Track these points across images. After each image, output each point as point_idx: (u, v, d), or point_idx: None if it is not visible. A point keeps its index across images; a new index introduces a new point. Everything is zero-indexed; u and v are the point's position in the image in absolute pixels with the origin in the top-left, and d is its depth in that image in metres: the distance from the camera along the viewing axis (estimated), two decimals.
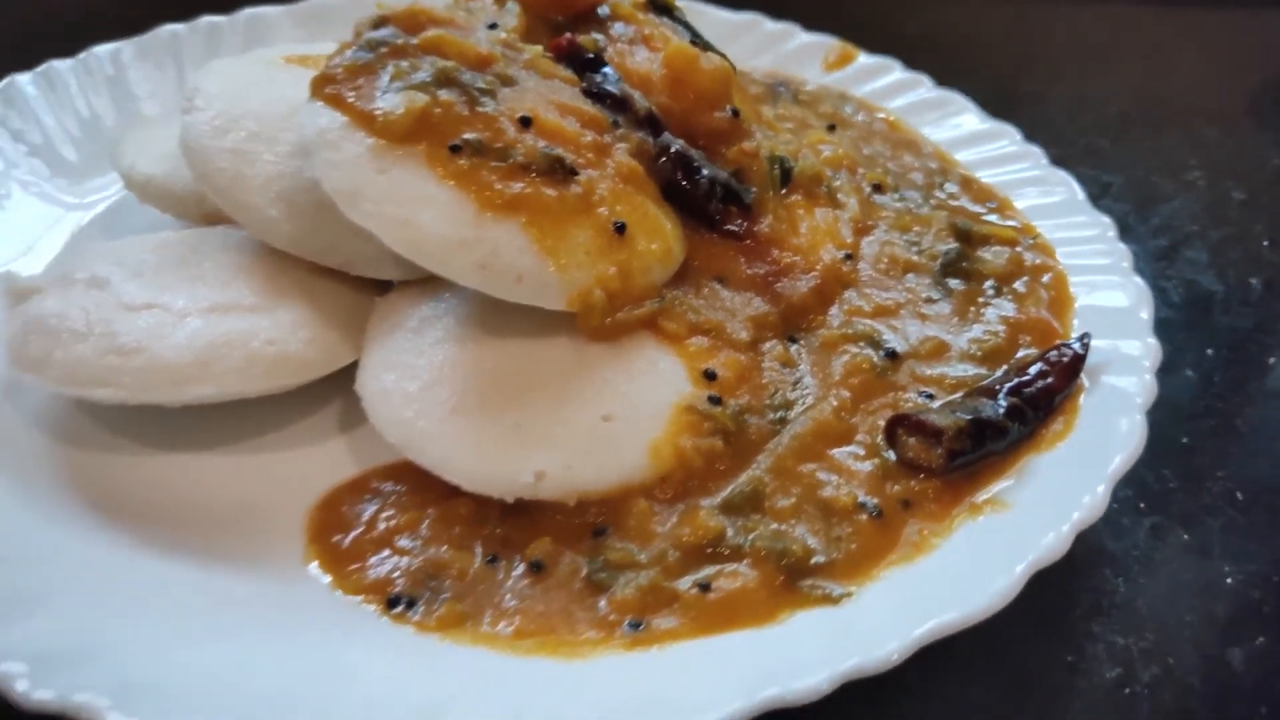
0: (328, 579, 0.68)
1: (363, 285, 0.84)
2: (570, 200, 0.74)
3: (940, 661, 0.63)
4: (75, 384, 0.72)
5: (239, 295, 0.78)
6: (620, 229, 0.75)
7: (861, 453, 0.74)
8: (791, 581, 0.65)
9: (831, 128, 1.09)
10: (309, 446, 0.79)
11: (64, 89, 1.09)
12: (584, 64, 0.85)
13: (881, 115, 1.16)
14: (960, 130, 1.13)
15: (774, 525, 0.68)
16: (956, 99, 1.17)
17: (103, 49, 1.14)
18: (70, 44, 1.13)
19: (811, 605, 0.64)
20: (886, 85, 1.20)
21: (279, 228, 0.80)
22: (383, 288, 0.85)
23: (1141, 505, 0.80)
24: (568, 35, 0.86)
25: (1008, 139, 1.10)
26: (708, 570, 0.66)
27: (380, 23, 0.79)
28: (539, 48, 0.83)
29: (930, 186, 1.03)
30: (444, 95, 0.74)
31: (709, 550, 0.67)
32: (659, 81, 0.88)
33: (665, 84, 0.88)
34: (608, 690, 0.58)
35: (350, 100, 0.74)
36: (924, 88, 1.19)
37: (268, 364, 0.75)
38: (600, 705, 0.57)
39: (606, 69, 0.85)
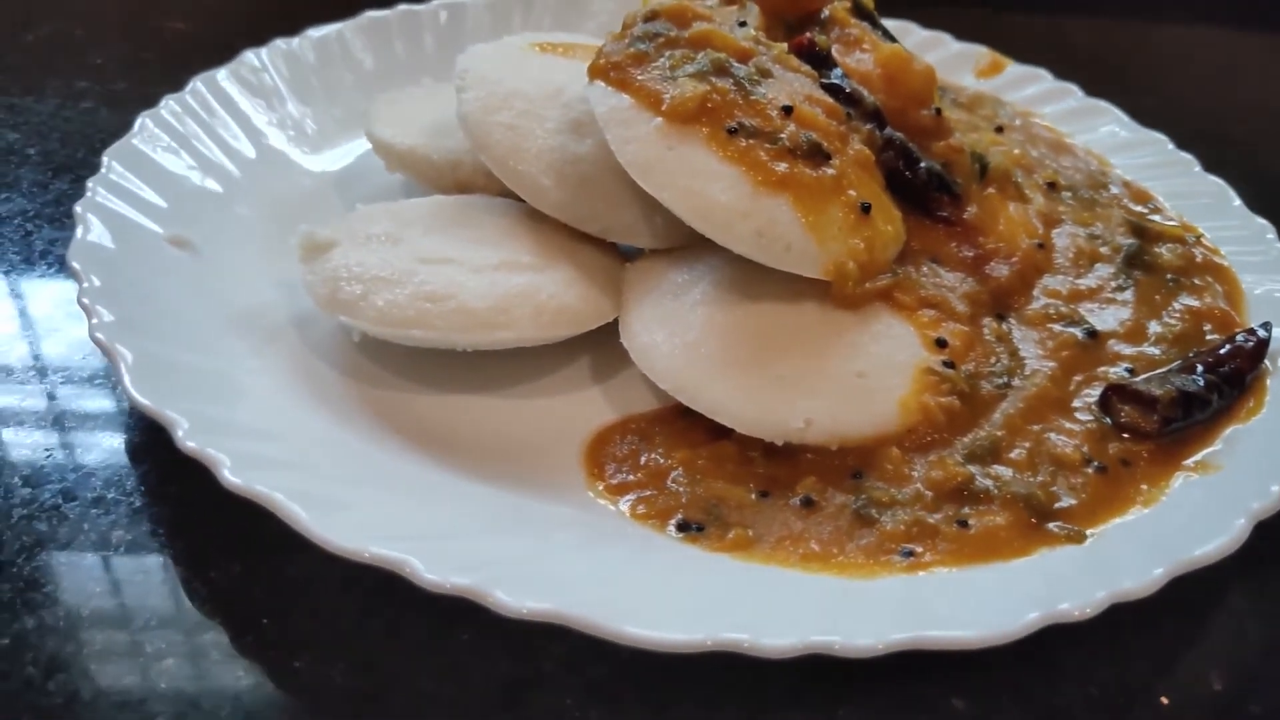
0: (616, 505, 0.77)
1: (612, 250, 0.93)
2: (827, 181, 0.83)
3: (1157, 602, 0.71)
4: (392, 325, 0.81)
5: (517, 254, 0.87)
6: (866, 209, 0.85)
7: (1081, 417, 0.83)
8: (1039, 522, 0.74)
9: (999, 129, 1.18)
10: (566, 394, 0.88)
11: (289, 63, 1.18)
12: (819, 61, 0.94)
13: (1038, 120, 1.25)
14: (1114, 137, 1.21)
15: (1014, 474, 0.77)
16: (1107, 108, 1.25)
17: (316, 31, 1.23)
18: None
19: (1060, 543, 0.73)
20: (1037, 93, 1.29)
21: (550, 195, 0.89)
22: (627, 254, 0.94)
23: None
24: (808, 34, 0.95)
25: (1159, 147, 1.19)
26: (964, 510, 0.75)
27: (651, 16, 0.89)
28: (784, 45, 0.92)
29: (1096, 187, 1.12)
30: (718, 83, 0.83)
31: (959, 493, 0.76)
32: (876, 80, 0.97)
33: (881, 82, 0.97)
34: (901, 605, 0.67)
35: (637, 84, 0.84)
36: (1074, 97, 1.28)
37: (552, 315, 0.84)
38: (902, 617, 0.65)
39: (837, 67, 0.94)
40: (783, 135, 0.83)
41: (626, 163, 0.82)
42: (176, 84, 1.10)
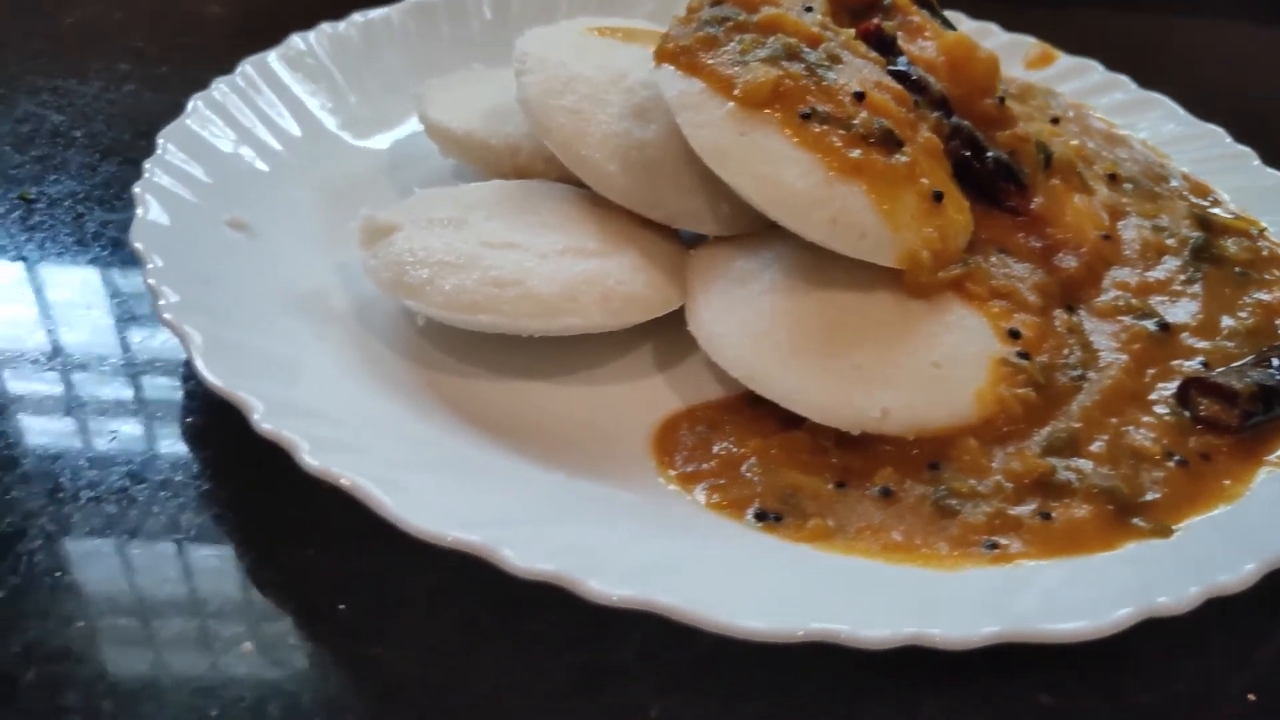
0: (691, 494, 0.76)
1: (674, 236, 0.92)
2: (900, 169, 0.82)
3: (1242, 601, 0.70)
4: (459, 309, 0.80)
5: (582, 240, 0.86)
6: (939, 197, 0.83)
7: (1158, 410, 0.82)
8: (1123, 516, 0.73)
9: (1055, 120, 1.17)
10: (628, 381, 0.87)
11: (337, 46, 1.16)
12: (886, 47, 0.92)
13: (1090, 111, 1.24)
14: (1170, 130, 1.20)
15: (1094, 467, 0.76)
16: (1161, 100, 1.24)
17: (363, 15, 1.22)
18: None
19: (1145, 537, 0.72)
20: (1089, 85, 1.28)
21: (615, 181, 0.88)
22: (688, 240, 0.93)
23: None
24: (875, 20, 0.93)
25: (1216, 139, 1.17)
26: (1046, 502, 0.74)
27: (719, 0, 0.87)
28: (850, 31, 0.91)
29: (1155, 179, 1.10)
30: (790, 68, 0.82)
31: (1040, 485, 0.75)
32: (940, 67, 0.96)
33: (945, 70, 0.96)
34: (992, 598, 0.66)
35: (707, 69, 0.82)
36: (1126, 89, 1.27)
37: (620, 302, 0.83)
38: (994, 610, 0.64)
39: (902, 54, 0.93)
40: (855, 121, 0.81)
41: (699, 148, 0.81)
42: (218, 67, 1.08)
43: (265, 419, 0.69)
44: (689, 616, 0.61)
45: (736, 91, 0.81)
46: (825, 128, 0.81)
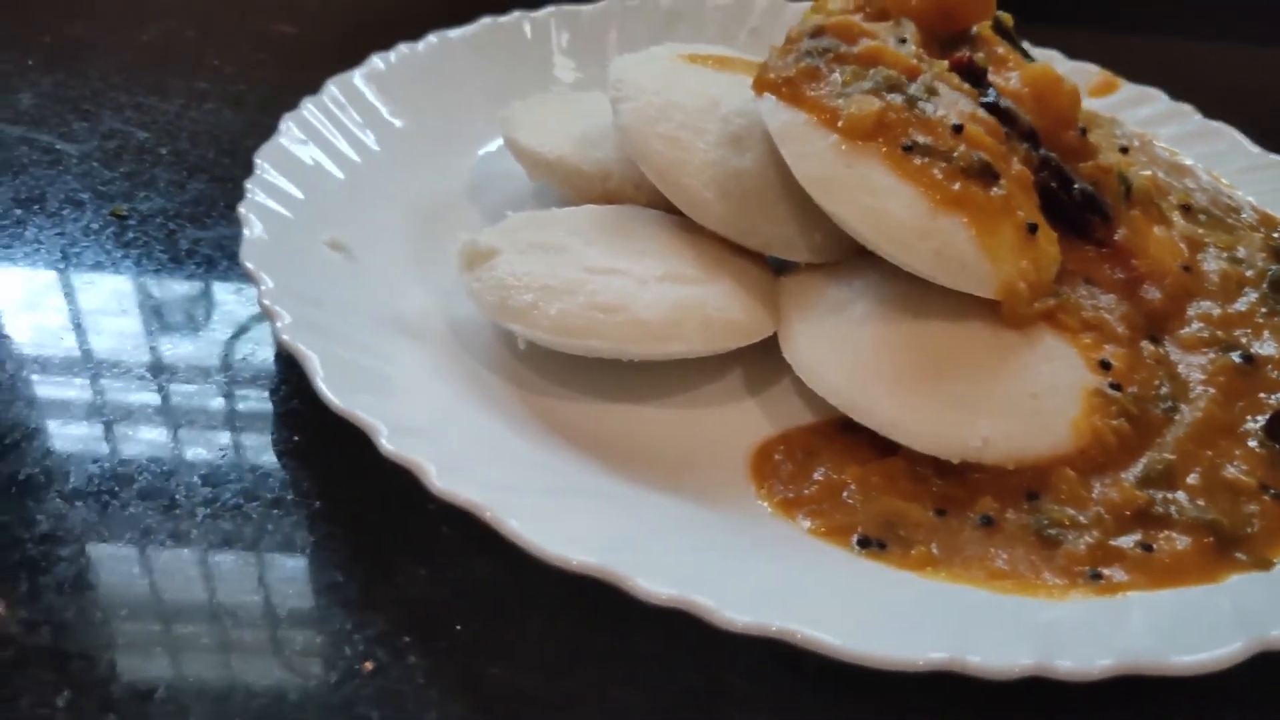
0: (795, 521, 0.77)
1: (764, 263, 0.93)
2: (998, 201, 0.83)
3: None
4: (566, 334, 0.81)
5: (680, 267, 0.87)
6: (1033, 229, 0.85)
7: (1248, 443, 0.83)
8: (1224, 549, 0.74)
9: (1124, 150, 1.18)
10: (720, 406, 0.88)
11: (416, 67, 1.18)
12: (977, 79, 0.94)
13: (1156, 141, 1.25)
14: (1234, 161, 1.21)
15: (1190, 499, 0.77)
16: (1227, 130, 1.25)
17: (435, 38, 1.23)
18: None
19: (1246, 570, 0.73)
20: (1153, 114, 1.29)
21: (712, 209, 0.89)
22: (778, 269, 0.94)
23: None
24: (966, 52, 0.95)
25: None
26: (1146, 533, 0.75)
27: (817, 32, 0.89)
28: (944, 63, 0.93)
29: (1225, 210, 1.12)
30: (891, 100, 0.84)
31: (1139, 517, 0.76)
32: (1025, 99, 0.97)
33: (1030, 101, 0.97)
34: (1105, 629, 0.67)
35: (810, 100, 0.84)
36: (1191, 119, 1.28)
37: (719, 328, 0.84)
38: (1109, 641, 0.65)
39: (991, 86, 0.94)
40: (955, 154, 0.83)
41: (804, 179, 0.82)
42: (294, 85, 1.10)
43: (390, 441, 0.70)
44: (816, 644, 0.62)
45: (841, 124, 0.82)
46: (927, 160, 0.82)
